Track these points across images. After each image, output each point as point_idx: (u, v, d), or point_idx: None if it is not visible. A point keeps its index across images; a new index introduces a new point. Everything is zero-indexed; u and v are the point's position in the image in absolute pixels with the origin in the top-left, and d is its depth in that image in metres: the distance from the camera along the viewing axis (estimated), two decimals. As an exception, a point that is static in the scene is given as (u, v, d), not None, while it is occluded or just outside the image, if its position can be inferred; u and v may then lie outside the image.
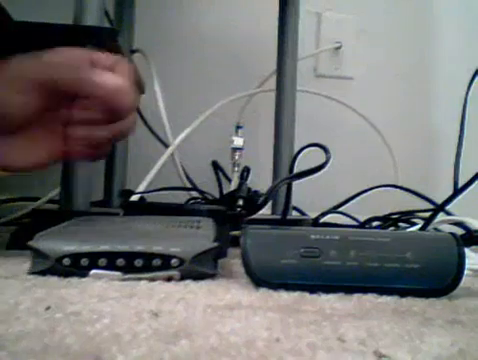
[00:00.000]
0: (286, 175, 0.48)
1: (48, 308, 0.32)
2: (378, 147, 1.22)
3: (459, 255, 0.41)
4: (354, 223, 0.97)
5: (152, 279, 0.41)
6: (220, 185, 1.15)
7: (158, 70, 0.93)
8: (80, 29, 0.61)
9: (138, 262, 0.42)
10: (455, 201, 0.62)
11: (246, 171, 0.58)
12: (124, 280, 0.41)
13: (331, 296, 0.40)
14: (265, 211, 0.59)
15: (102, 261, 0.42)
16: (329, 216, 0.96)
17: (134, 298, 0.36)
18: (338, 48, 1.32)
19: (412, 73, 1.37)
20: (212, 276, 0.44)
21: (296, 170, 0.50)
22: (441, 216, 0.71)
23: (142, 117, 1.12)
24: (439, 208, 0.66)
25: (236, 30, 1.26)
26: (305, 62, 1.22)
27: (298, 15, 0.93)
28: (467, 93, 0.83)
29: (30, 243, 0.42)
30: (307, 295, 0.40)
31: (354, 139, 1.31)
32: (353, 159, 1.27)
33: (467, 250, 0.46)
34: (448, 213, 0.80)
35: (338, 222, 0.94)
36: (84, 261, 0.42)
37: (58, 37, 0.64)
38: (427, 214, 0.73)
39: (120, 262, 0.42)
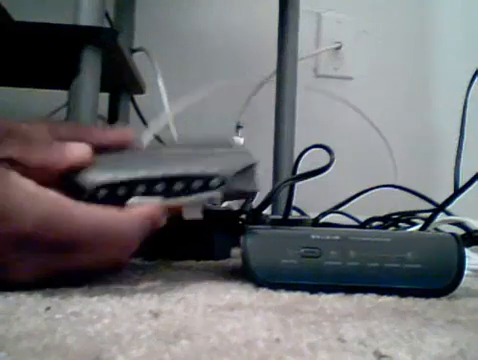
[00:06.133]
0: (287, 175, 0.48)
1: (48, 308, 0.32)
2: (378, 147, 1.22)
3: (459, 255, 0.41)
4: (354, 223, 0.97)
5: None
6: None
7: (161, 69, 0.93)
8: (80, 29, 0.61)
9: (178, 186, 0.40)
10: (455, 201, 0.62)
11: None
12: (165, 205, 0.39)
13: (331, 296, 0.40)
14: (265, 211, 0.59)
15: (140, 188, 0.39)
16: (329, 216, 0.96)
17: (134, 298, 0.36)
18: (338, 48, 1.32)
19: (412, 73, 1.37)
20: (253, 195, 0.43)
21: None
22: (441, 216, 0.71)
23: (142, 117, 1.12)
24: (439, 208, 0.66)
25: (236, 30, 1.26)
26: (305, 62, 1.22)
27: (298, 15, 0.93)
28: (467, 93, 0.83)
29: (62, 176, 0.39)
30: (307, 295, 0.40)
31: (354, 139, 1.30)
32: (353, 159, 1.27)
33: (467, 250, 0.46)
34: (448, 213, 0.80)
35: (338, 222, 0.94)
36: (121, 190, 0.39)
37: (58, 37, 0.64)
38: (427, 214, 0.73)
39: (159, 187, 0.40)
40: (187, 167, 0.40)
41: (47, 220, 0.35)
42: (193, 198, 0.40)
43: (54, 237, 0.36)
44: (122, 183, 0.39)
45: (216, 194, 0.41)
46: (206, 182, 0.41)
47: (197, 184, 0.40)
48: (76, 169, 0.39)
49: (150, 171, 0.40)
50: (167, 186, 0.40)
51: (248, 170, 0.42)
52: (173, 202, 0.40)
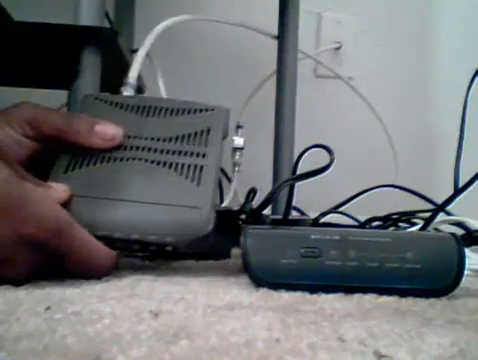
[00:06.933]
0: (287, 175, 0.48)
1: (48, 308, 0.32)
2: (378, 147, 1.22)
3: (459, 255, 0.41)
4: (354, 223, 0.97)
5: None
6: (220, 185, 1.15)
7: (161, 69, 0.93)
8: (80, 29, 0.61)
9: (136, 246, 0.44)
10: (455, 201, 0.62)
11: (253, 192, 0.58)
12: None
13: (331, 296, 0.40)
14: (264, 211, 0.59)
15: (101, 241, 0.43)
16: (329, 216, 0.96)
17: (134, 298, 0.36)
18: (338, 48, 1.32)
19: (412, 73, 1.37)
20: (208, 254, 0.45)
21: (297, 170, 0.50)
22: (441, 216, 0.71)
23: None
24: (439, 208, 0.66)
25: (236, 30, 1.26)
26: (305, 62, 1.22)
27: (298, 15, 0.93)
28: (467, 93, 0.83)
29: None
30: (307, 295, 0.40)
31: (354, 139, 1.31)
32: (353, 159, 1.27)
33: (467, 250, 0.46)
34: (448, 213, 0.80)
35: (338, 222, 0.94)
36: None
37: (58, 37, 0.64)
38: (427, 214, 0.73)
39: (118, 244, 0.43)
40: (143, 234, 0.43)
41: (59, 229, 0.38)
42: (149, 254, 0.45)
43: (57, 244, 0.38)
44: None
45: (170, 253, 0.44)
46: (161, 247, 0.44)
47: (153, 247, 0.44)
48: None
49: (110, 231, 0.43)
50: (125, 244, 0.43)
51: (202, 238, 0.44)
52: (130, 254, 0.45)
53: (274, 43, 0.94)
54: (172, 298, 0.36)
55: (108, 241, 0.42)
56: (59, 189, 0.43)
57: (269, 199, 0.49)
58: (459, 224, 0.78)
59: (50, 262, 0.40)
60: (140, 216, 0.44)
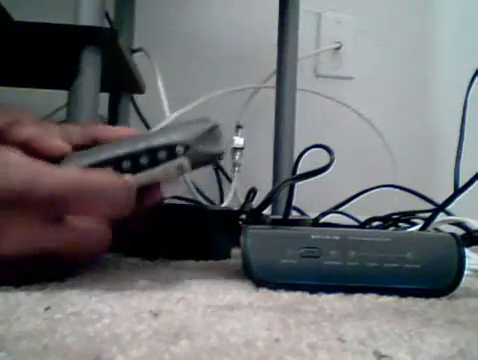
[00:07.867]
0: (286, 175, 0.48)
1: (48, 308, 0.32)
2: (378, 147, 1.22)
3: (459, 255, 0.42)
4: (354, 223, 0.97)
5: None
6: (220, 185, 1.16)
7: (160, 69, 0.93)
8: (80, 29, 0.61)
9: (144, 160, 0.41)
10: (455, 201, 0.62)
11: (253, 192, 0.58)
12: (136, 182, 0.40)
13: (331, 296, 0.40)
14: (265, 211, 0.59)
15: (108, 169, 0.41)
16: (329, 216, 0.96)
17: (134, 298, 0.36)
18: (338, 48, 1.32)
19: (412, 73, 1.37)
20: (220, 156, 0.43)
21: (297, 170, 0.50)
22: (441, 216, 0.71)
23: (142, 117, 1.12)
24: (439, 208, 0.66)
25: (236, 30, 1.26)
26: (305, 62, 1.22)
27: (298, 15, 0.93)
28: (467, 93, 0.83)
29: None
30: (307, 295, 0.40)
31: (354, 139, 1.30)
32: (353, 159, 1.27)
33: (467, 250, 0.46)
34: (448, 213, 0.80)
35: (338, 222, 0.94)
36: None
37: (58, 37, 0.64)
38: (427, 214, 0.73)
39: (126, 164, 0.41)
40: (149, 141, 0.42)
41: (32, 179, 0.37)
42: (160, 169, 0.41)
43: (38, 195, 0.37)
44: (88, 167, 0.41)
45: (183, 161, 0.41)
46: (170, 151, 0.41)
47: (162, 155, 0.41)
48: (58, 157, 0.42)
49: (113, 151, 0.41)
50: (133, 162, 0.41)
51: (210, 133, 0.42)
52: (142, 177, 0.41)
53: (274, 43, 0.94)
54: (172, 298, 0.36)
55: (115, 165, 0.41)
56: (60, 141, 0.42)
57: (269, 199, 0.49)
58: (459, 224, 0.78)
59: (47, 230, 0.38)
60: (145, 134, 0.43)
